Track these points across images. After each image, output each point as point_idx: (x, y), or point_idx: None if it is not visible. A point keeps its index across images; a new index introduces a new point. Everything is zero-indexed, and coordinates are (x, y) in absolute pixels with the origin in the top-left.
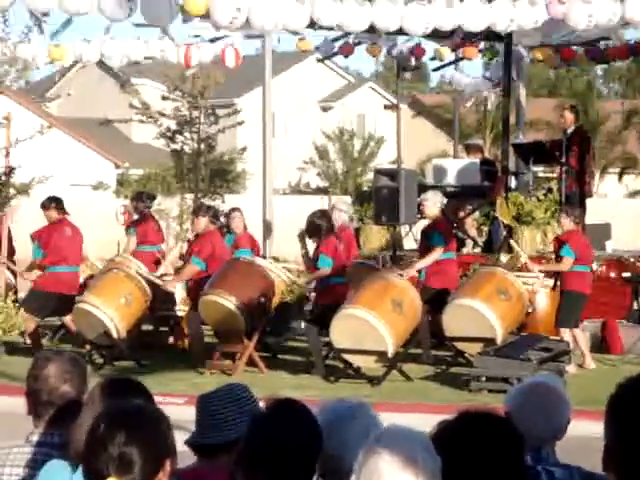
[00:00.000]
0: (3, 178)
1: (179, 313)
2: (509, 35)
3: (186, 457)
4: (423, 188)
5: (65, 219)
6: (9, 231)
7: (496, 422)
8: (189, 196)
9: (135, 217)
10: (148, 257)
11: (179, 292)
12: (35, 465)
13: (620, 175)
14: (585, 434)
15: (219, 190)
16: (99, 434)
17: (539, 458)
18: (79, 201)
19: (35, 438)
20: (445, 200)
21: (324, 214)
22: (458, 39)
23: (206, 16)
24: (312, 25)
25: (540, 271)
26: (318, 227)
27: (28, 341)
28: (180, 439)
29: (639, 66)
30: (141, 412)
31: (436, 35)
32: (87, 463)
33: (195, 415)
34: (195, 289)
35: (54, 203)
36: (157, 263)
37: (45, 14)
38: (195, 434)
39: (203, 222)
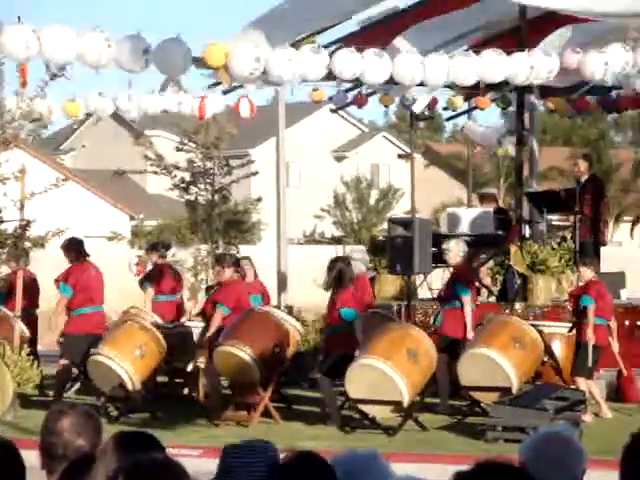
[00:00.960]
0: (19, 231)
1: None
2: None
3: None
4: (437, 237)
5: (87, 260)
6: (35, 282)
7: (513, 473)
8: (204, 247)
9: (149, 268)
10: (165, 307)
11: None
12: None
13: (634, 223)
14: None
15: (233, 240)
16: None
17: None
18: (94, 252)
19: None
20: (466, 248)
21: (349, 263)
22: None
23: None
24: (330, 76)
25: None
26: (343, 275)
27: (47, 394)
28: None
29: None
30: (161, 466)
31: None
32: None
33: (218, 466)
34: (211, 340)
35: (75, 245)
36: (177, 311)
37: (62, 68)
38: None
39: (228, 273)
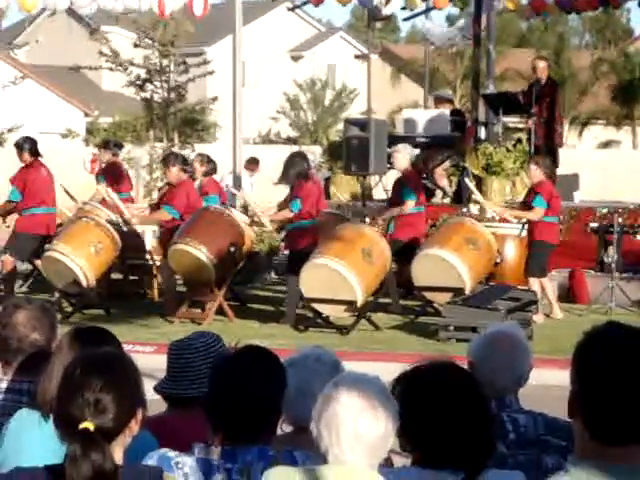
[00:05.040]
0: None
1: (149, 262)
2: None
3: (153, 404)
4: (393, 139)
5: (39, 160)
6: None
7: (450, 370)
8: (159, 145)
9: (103, 165)
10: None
11: (149, 241)
12: (4, 411)
13: (584, 125)
14: (552, 382)
15: (189, 139)
16: (75, 379)
17: (503, 405)
18: (48, 149)
19: (4, 385)
20: (415, 152)
21: (304, 157)
22: None
23: None
24: None
25: (512, 215)
26: (298, 169)
27: None
28: (149, 387)
29: (609, 16)
30: (117, 359)
31: None
32: (61, 408)
33: (167, 363)
34: (167, 238)
35: (28, 144)
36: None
37: None
38: (167, 383)
39: (175, 171)
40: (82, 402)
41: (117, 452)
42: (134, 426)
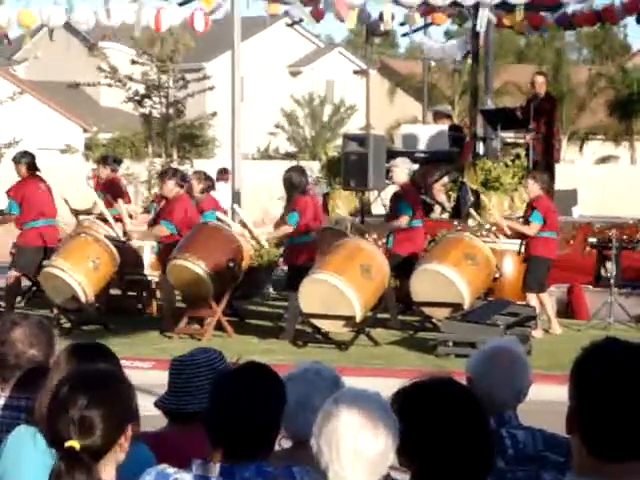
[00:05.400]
0: None
1: (148, 278)
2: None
3: (154, 420)
4: (392, 154)
5: (36, 175)
6: None
7: (449, 386)
8: (158, 160)
9: (102, 181)
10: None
11: (147, 256)
12: (2, 428)
13: (583, 141)
14: (551, 398)
15: (188, 155)
16: (60, 397)
17: (502, 421)
18: (47, 165)
19: (1, 402)
20: (414, 167)
21: (303, 172)
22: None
23: None
24: None
25: (508, 227)
26: (296, 184)
27: None
28: (147, 403)
29: (606, 32)
30: (104, 376)
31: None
32: (48, 426)
33: (168, 378)
34: (166, 253)
35: (26, 159)
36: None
37: None
38: (168, 398)
39: (170, 185)
40: (67, 420)
41: (107, 469)
42: (124, 443)
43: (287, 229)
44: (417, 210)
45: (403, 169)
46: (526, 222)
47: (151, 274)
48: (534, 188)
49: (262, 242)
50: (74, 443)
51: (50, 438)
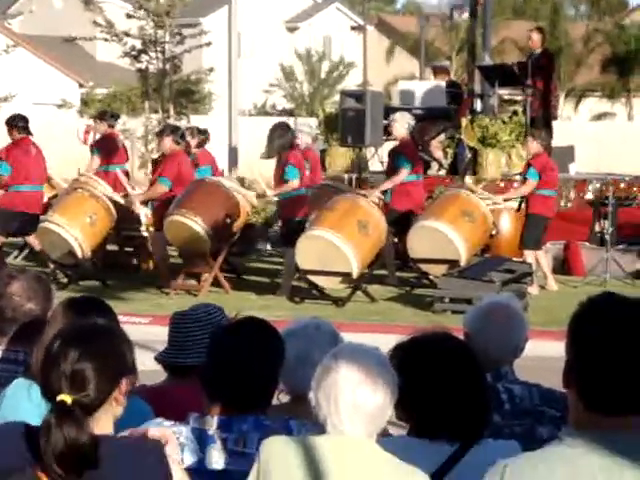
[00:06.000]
0: None
1: (144, 234)
2: None
3: (153, 375)
4: (389, 110)
5: (28, 138)
6: None
7: (447, 341)
8: (154, 116)
9: (98, 137)
10: (113, 177)
11: (144, 212)
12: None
13: (579, 98)
14: (547, 354)
15: (184, 111)
16: (53, 351)
17: (499, 376)
18: (43, 120)
19: None
20: (413, 122)
21: (288, 127)
22: None
23: None
24: None
25: (505, 200)
26: (284, 141)
27: None
28: (145, 359)
29: None
30: (97, 329)
31: None
32: (42, 380)
33: (168, 332)
34: (161, 210)
35: (19, 122)
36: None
37: None
38: (167, 352)
39: (168, 142)
40: (59, 374)
41: (101, 423)
42: (119, 397)
43: (292, 184)
44: (416, 165)
45: (403, 123)
46: (524, 180)
47: (148, 230)
48: (533, 145)
49: (267, 192)
50: (65, 397)
51: (43, 392)
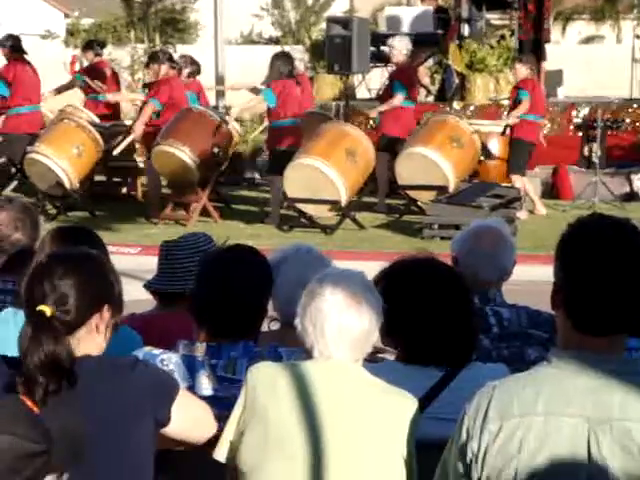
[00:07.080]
0: None
1: (140, 165)
2: None
3: (141, 304)
4: (376, 37)
5: (24, 58)
6: None
7: (432, 265)
8: (140, 45)
9: (85, 65)
10: (102, 106)
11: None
12: None
13: (567, 21)
14: (535, 278)
15: (171, 40)
16: (37, 270)
17: (487, 299)
18: (28, 50)
19: None
20: (411, 46)
21: (289, 57)
22: None
23: None
24: None
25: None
26: (282, 70)
27: None
28: (133, 288)
29: None
30: (86, 254)
31: None
32: (25, 299)
33: (157, 260)
34: (150, 139)
35: (11, 42)
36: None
37: None
38: (156, 280)
39: (164, 68)
40: (43, 288)
41: (81, 348)
42: (100, 324)
43: (258, 99)
44: (411, 91)
45: (401, 48)
46: (514, 105)
47: (135, 159)
48: (522, 71)
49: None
50: (45, 307)
51: (26, 306)
